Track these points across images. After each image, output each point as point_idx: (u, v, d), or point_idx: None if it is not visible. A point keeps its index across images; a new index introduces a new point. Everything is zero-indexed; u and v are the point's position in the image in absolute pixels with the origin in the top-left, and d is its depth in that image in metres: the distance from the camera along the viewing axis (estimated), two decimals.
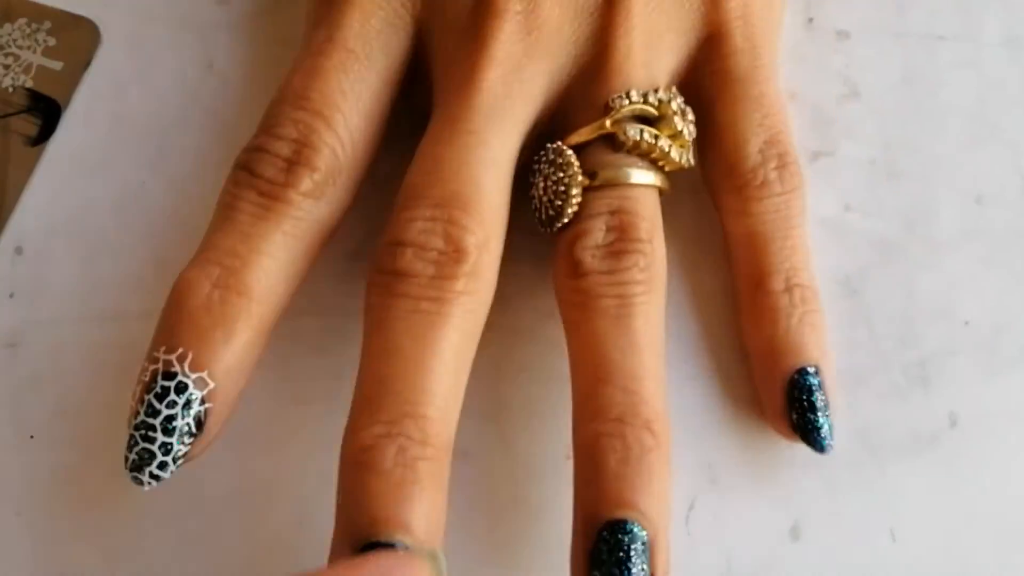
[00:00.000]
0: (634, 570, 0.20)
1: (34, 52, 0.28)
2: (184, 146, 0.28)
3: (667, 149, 0.24)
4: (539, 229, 0.25)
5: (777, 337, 0.24)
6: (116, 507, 0.24)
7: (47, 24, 0.29)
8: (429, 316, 0.21)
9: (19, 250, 0.27)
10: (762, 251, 0.24)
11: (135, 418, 0.21)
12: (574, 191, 0.23)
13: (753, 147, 0.25)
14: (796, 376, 0.23)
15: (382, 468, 0.20)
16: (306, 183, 0.23)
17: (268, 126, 0.23)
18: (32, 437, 0.25)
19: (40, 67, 0.28)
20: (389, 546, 0.19)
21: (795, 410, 0.23)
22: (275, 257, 0.22)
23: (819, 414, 0.23)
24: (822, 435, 0.23)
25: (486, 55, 0.23)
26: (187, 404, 0.21)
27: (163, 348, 0.21)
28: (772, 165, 0.24)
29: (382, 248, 0.22)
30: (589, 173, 0.24)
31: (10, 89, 0.28)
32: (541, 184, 0.24)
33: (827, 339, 0.24)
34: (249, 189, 0.23)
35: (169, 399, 0.21)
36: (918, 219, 0.27)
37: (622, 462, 0.21)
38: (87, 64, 0.28)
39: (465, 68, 0.24)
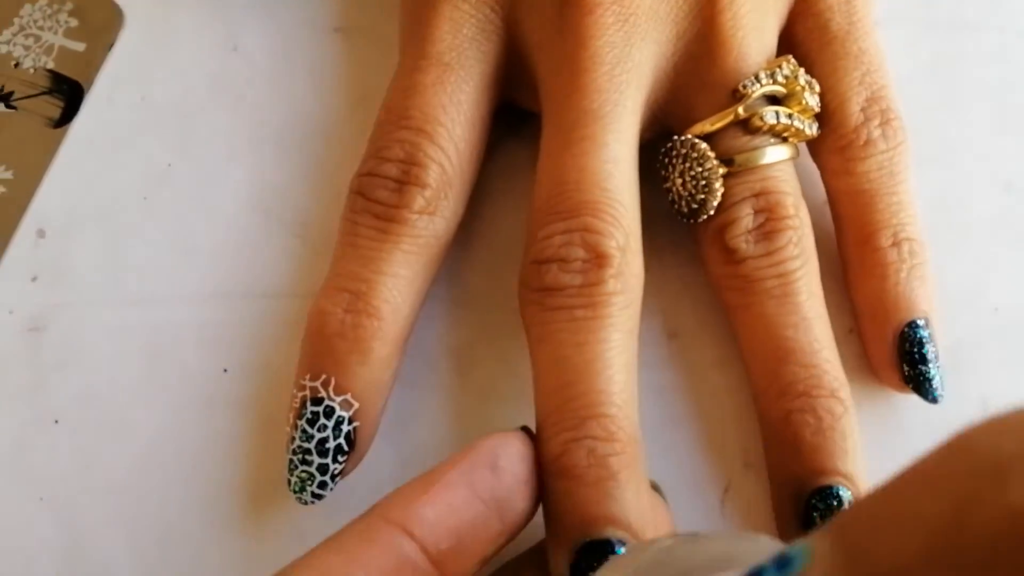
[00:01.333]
0: None
1: (56, 33, 0.28)
2: (209, 128, 0.27)
3: (801, 126, 0.24)
4: (679, 220, 0.25)
5: (887, 291, 0.24)
6: (140, 492, 0.24)
7: (69, 5, 0.28)
8: (586, 322, 0.21)
9: (41, 233, 0.26)
10: (869, 208, 0.24)
11: (292, 443, 0.22)
12: (716, 184, 0.23)
13: (855, 106, 0.25)
14: (907, 329, 0.24)
15: (577, 472, 0.20)
16: (419, 201, 0.23)
17: (375, 149, 0.24)
18: (56, 422, 0.25)
19: (62, 48, 0.28)
20: (604, 542, 0.20)
21: (907, 362, 0.24)
22: (398, 276, 0.23)
23: (931, 365, 0.24)
24: (934, 386, 0.24)
25: (587, 54, 0.23)
26: (336, 425, 0.22)
27: (308, 376, 0.22)
28: (875, 123, 0.25)
29: (528, 268, 0.22)
30: (725, 160, 0.24)
31: (32, 70, 0.28)
32: (679, 180, 0.24)
33: (935, 291, 0.24)
34: (366, 214, 0.23)
35: (320, 423, 0.22)
36: (947, 206, 0.27)
37: (817, 434, 0.22)
38: (110, 45, 0.28)
39: (569, 71, 0.23)
